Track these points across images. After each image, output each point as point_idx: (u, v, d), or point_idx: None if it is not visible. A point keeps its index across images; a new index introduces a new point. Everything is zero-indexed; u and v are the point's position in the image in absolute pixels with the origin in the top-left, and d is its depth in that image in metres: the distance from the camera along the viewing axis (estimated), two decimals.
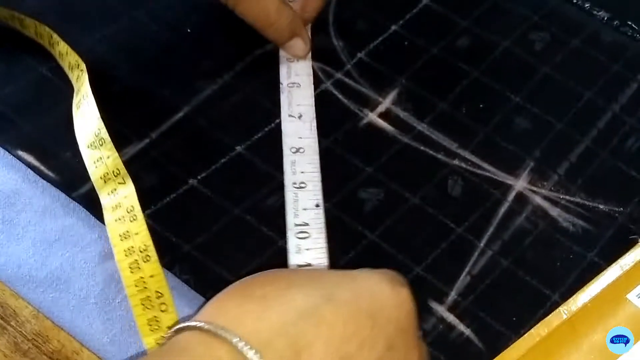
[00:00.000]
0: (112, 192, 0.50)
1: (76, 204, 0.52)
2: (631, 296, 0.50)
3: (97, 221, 0.51)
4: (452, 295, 0.50)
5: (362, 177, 0.55)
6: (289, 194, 0.52)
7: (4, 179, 0.53)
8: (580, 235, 0.53)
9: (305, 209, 0.52)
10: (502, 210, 0.54)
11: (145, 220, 0.50)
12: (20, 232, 0.51)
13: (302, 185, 0.53)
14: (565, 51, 0.62)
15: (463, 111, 0.58)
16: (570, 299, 0.50)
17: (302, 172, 0.53)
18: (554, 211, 0.54)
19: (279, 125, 0.56)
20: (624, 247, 0.52)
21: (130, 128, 0.55)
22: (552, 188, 0.55)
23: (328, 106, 0.57)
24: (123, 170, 0.51)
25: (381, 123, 0.57)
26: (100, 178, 0.51)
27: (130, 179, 0.51)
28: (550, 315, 0.49)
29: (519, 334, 0.49)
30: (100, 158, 0.51)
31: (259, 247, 0.51)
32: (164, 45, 0.59)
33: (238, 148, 0.55)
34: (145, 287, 0.47)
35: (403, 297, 0.39)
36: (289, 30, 0.57)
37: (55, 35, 0.55)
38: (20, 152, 0.54)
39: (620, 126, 0.58)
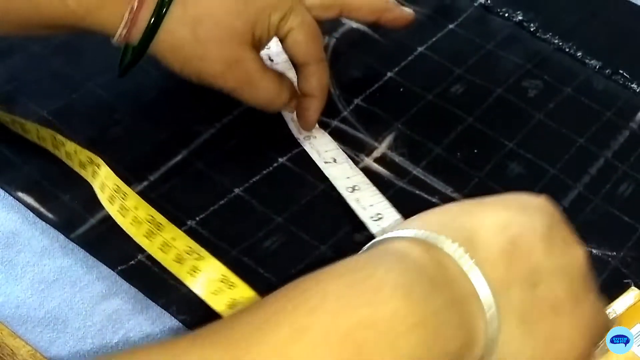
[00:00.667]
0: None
1: (74, 245, 0.52)
2: None
3: (96, 261, 0.51)
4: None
5: (358, 219, 0.54)
6: (375, 228, 0.52)
7: (4, 220, 0.53)
8: None
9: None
10: None
11: (144, 261, 0.50)
12: (19, 272, 0.51)
13: (380, 216, 0.53)
14: (558, 98, 0.62)
15: (458, 156, 0.58)
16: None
17: (371, 206, 0.53)
18: None
19: (277, 168, 0.56)
20: (618, 291, 0.51)
21: (129, 170, 0.54)
22: None
23: None
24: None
25: (377, 167, 0.57)
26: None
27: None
28: None
29: None
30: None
31: (256, 289, 0.51)
32: (164, 90, 0.60)
33: (236, 190, 0.54)
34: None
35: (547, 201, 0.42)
36: (287, 101, 0.56)
37: (59, 137, 0.54)
38: (20, 194, 0.54)
39: (612, 172, 0.58)
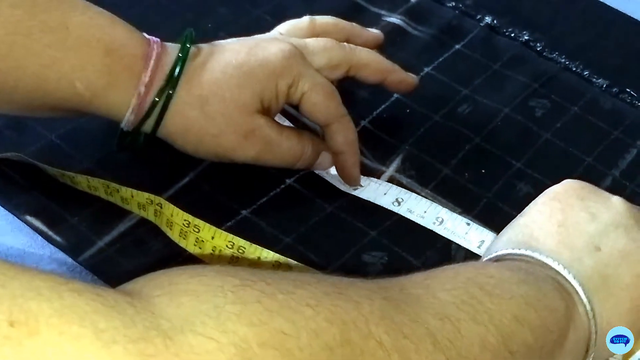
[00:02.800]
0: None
1: (82, 267, 0.52)
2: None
3: (104, 285, 0.49)
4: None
5: (366, 240, 0.54)
6: (442, 231, 0.54)
7: (13, 243, 0.53)
8: None
9: (458, 231, 0.54)
10: None
11: None
12: None
13: (440, 219, 0.54)
14: (565, 118, 0.62)
15: (466, 177, 0.58)
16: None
17: (425, 212, 0.55)
18: None
19: (284, 190, 0.56)
20: None
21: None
22: None
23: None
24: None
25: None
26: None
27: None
28: None
29: None
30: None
31: None
32: None
33: (243, 212, 0.54)
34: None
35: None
36: (314, 156, 0.55)
37: (112, 185, 0.53)
38: (28, 217, 0.54)
39: (621, 191, 0.56)
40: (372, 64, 0.57)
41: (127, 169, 0.56)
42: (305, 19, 0.59)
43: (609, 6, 0.69)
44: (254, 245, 0.51)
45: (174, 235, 0.52)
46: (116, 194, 0.53)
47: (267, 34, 0.58)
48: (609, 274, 0.45)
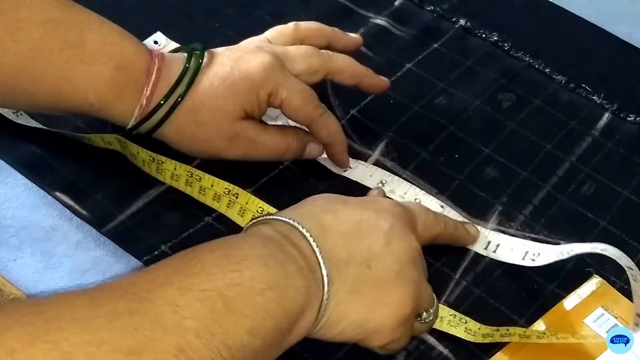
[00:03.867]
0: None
1: (106, 238, 0.53)
2: (588, 321, 0.51)
3: (124, 252, 0.52)
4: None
5: None
6: None
7: (44, 217, 0.54)
8: (543, 269, 0.53)
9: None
10: None
11: (167, 252, 0.51)
12: (57, 262, 0.52)
13: (418, 200, 0.55)
14: (528, 109, 0.63)
15: (441, 160, 0.59)
16: (535, 323, 0.51)
17: (405, 193, 0.55)
18: None
19: (282, 170, 0.57)
20: (581, 279, 0.53)
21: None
22: (519, 228, 0.55)
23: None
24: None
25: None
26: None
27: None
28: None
29: (490, 354, 0.49)
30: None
31: None
32: None
33: (247, 190, 0.54)
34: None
35: (400, 204, 0.49)
36: (300, 147, 0.57)
37: (196, 172, 0.54)
38: (57, 193, 0.54)
39: (577, 174, 0.59)
40: (347, 70, 0.58)
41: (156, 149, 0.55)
42: (290, 25, 0.59)
43: (568, 11, 0.69)
44: None
45: (244, 222, 0.52)
46: (196, 183, 0.54)
47: (256, 39, 0.58)
48: (359, 289, 0.45)
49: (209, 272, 0.40)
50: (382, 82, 0.60)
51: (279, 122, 0.58)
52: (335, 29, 0.60)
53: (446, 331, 0.50)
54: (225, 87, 0.53)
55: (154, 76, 0.52)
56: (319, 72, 0.57)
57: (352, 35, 0.62)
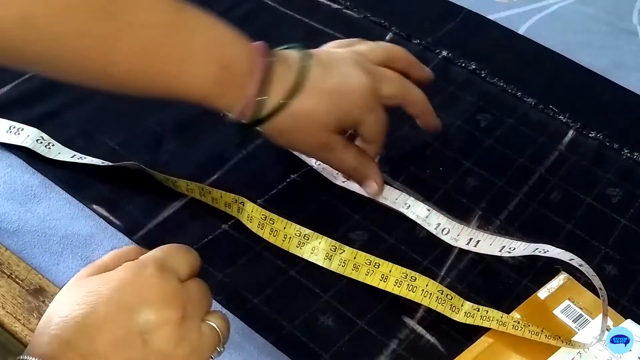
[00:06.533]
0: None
1: (136, 244, 0.52)
2: (556, 312, 0.51)
3: None
4: (421, 312, 0.50)
5: (352, 222, 0.54)
6: (410, 214, 0.54)
7: (83, 226, 0.53)
8: (517, 266, 0.53)
9: (421, 215, 0.54)
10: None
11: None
12: None
13: (407, 205, 0.54)
14: (503, 127, 0.62)
15: (427, 172, 0.58)
16: (510, 314, 0.50)
17: (396, 199, 0.55)
18: None
19: (289, 183, 0.56)
20: (550, 275, 0.52)
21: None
22: (495, 231, 0.55)
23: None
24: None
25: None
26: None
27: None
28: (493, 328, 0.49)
29: (472, 341, 0.49)
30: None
31: (274, 276, 0.52)
32: (202, 123, 0.59)
33: (258, 201, 0.55)
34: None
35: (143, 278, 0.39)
36: (363, 178, 0.55)
37: (205, 187, 0.53)
38: (94, 206, 0.54)
39: (546, 184, 0.58)
40: (419, 104, 0.56)
41: (168, 167, 0.56)
42: (381, 44, 0.56)
43: (537, 43, 0.69)
44: (315, 234, 0.51)
45: (253, 227, 0.52)
46: (208, 195, 0.53)
47: (350, 49, 0.54)
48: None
49: None
50: (437, 124, 0.58)
51: None
52: (415, 59, 0.58)
53: (434, 308, 0.49)
54: (329, 102, 0.51)
55: (256, 76, 0.49)
56: (397, 99, 0.55)
57: (426, 69, 0.59)
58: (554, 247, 0.51)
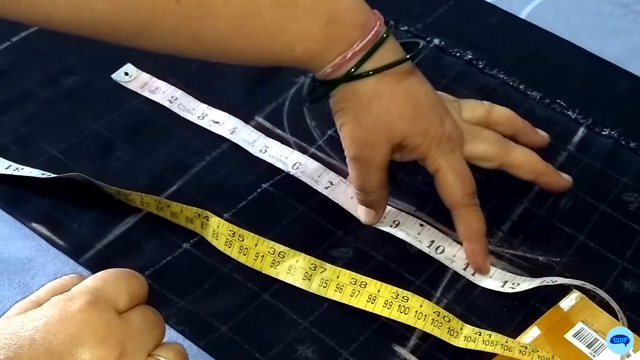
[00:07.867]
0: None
1: (83, 268, 0.51)
2: (568, 336, 0.49)
3: None
4: (414, 339, 0.49)
5: (334, 237, 0.54)
6: (398, 233, 0.53)
7: (20, 248, 0.52)
8: None
9: (412, 232, 0.53)
10: None
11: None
12: None
13: (397, 222, 0.54)
14: None
15: (419, 179, 0.57)
16: (516, 339, 0.48)
17: (384, 217, 0.54)
18: (500, 264, 0.53)
19: (261, 193, 0.56)
20: (561, 294, 0.51)
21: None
22: (498, 244, 0.54)
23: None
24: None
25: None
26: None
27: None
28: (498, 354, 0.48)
29: None
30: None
31: (245, 301, 0.50)
32: (158, 127, 0.59)
33: (225, 215, 0.54)
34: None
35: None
36: (373, 203, 0.53)
37: (163, 200, 0.53)
38: (34, 224, 0.53)
39: None
40: (525, 166, 0.54)
41: (121, 178, 0.55)
42: (485, 104, 0.56)
43: (540, 28, 0.69)
44: (292, 250, 0.50)
45: (219, 244, 0.51)
46: (167, 209, 0.52)
47: (449, 97, 0.55)
48: None
49: None
50: (563, 181, 0.55)
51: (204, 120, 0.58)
52: (526, 122, 0.57)
53: (429, 332, 0.48)
54: (407, 114, 0.50)
55: (370, 35, 0.49)
56: (494, 161, 0.54)
57: (540, 132, 0.58)
58: (562, 278, 0.50)
